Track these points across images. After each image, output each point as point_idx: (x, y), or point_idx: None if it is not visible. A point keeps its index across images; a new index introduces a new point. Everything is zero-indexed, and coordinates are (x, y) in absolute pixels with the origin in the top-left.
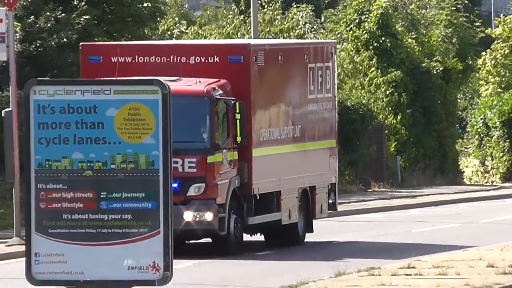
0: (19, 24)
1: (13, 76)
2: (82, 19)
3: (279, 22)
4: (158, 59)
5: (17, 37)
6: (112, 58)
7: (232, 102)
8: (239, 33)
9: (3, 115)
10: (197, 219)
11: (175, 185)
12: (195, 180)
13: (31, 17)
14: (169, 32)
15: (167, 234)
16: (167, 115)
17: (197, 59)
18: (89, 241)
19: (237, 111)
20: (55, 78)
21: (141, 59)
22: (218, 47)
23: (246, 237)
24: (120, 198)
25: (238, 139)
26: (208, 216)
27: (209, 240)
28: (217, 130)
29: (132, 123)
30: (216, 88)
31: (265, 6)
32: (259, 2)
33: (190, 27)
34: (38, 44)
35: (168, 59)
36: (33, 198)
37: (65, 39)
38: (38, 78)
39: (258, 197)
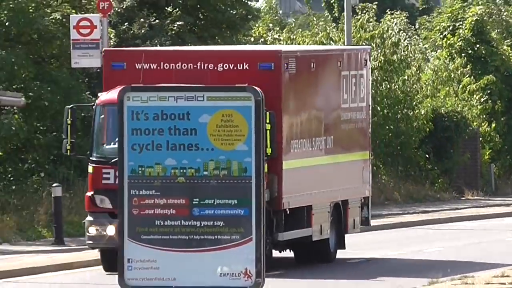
0: (113, 30)
1: None
2: (175, 25)
3: (371, 28)
4: (184, 66)
5: (111, 43)
6: (136, 64)
7: None
8: (331, 40)
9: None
10: None
11: None
12: None
13: (125, 24)
14: (262, 39)
15: (259, 241)
16: (259, 122)
17: (226, 66)
18: (182, 247)
19: (267, 121)
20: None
21: (166, 66)
22: (247, 54)
23: (275, 253)
24: (212, 204)
25: (268, 150)
26: None
27: None
28: None
29: (225, 130)
30: None
31: (359, 13)
32: (352, 8)
33: (283, 33)
34: None
35: (195, 66)
36: (126, 204)
37: (158, 46)
38: (132, 85)
39: (288, 212)
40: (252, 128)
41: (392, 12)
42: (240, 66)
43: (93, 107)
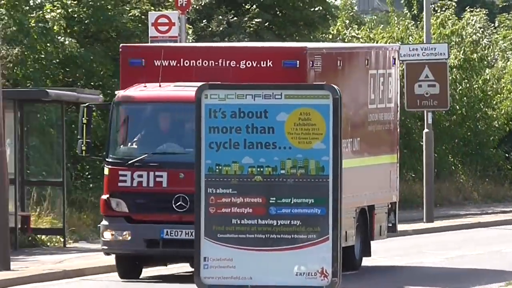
0: (191, 27)
1: None
2: (253, 22)
3: (450, 25)
4: (205, 63)
5: (189, 40)
6: (155, 61)
7: None
8: (410, 37)
9: None
10: None
11: None
12: None
13: (204, 21)
14: (340, 36)
15: (336, 240)
16: (337, 120)
17: (248, 63)
18: (258, 246)
19: None
20: (226, 83)
21: (186, 63)
22: (271, 51)
23: None
24: (289, 203)
25: None
26: None
27: None
28: None
29: (303, 128)
30: None
31: (438, 10)
32: (432, 5)
33: (361, 30)
34: None
35: (216, 63)
36: (203, 202)
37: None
38: (210, 82)
39: None
40: (330, 127)
41: (472, 9)
42: (263, 63)
43: (110, 105)
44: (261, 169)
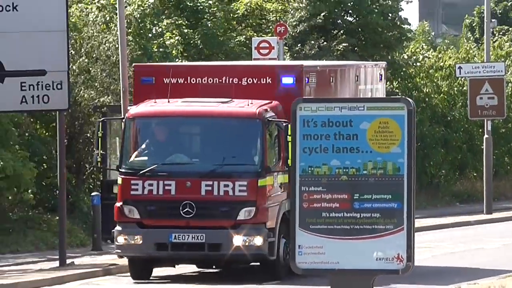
0: (288, 51)
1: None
2: (340, 46)
3: (507, 46)
4: (210, 80)
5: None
6: (164, 79)
7: (284, 124)
8: (475, 58)
9: None
10: (247, 243)
11: (225, 208)
12: (246, 204)
13: (298, 45)
14: (414, 57)
15: (410, 229)
16: (411, 128)
17: (249, 80)
18: (344, 235)
19: (289, 133)
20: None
21: (193, 80)
22: (270, 68)
23: None
24: (370, 199)
25: (290, 162)
26: (258, 240)
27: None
28: (268, 152)
29: (382, 135)
30: (268, 109)
31: (496, 34)
32: (491, 29)
33: (430, 52)
34: None
35: (220, 80)
36: (298, 199)
37: None
38: (304, 97)
39: None
40: (405, 134)
41: None
42: (263, 80)
43: (123, 120)
44: (347, 170)
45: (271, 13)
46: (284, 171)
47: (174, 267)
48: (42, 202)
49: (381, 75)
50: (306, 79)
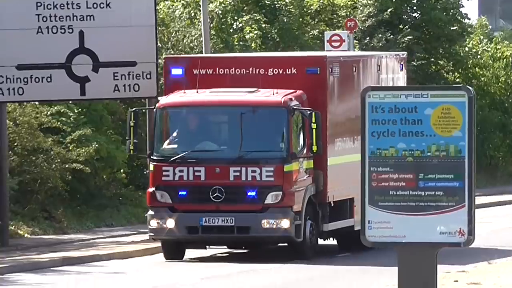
0: (357, 43)
1: None
2: (406, 39)
3: None
4: (237, 71)
5: None
6: (193, 70)
7: (308, 112)
8: None
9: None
10: (275, 226)
11: (253, 193)
12: (273, 188)
13: (367, 38)
14: (474, 50)
15: (471, 206)
16: (471, 114)
17: (275, 71)
18: (410, 212)
19: (313, 121)
20: (389, 85)
21: (221, 71)
22: (295, 59)
23: (319, 240)
24: (434, 178)
25: (314, 148)
26: (285, 223)
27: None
28: (293, 139)
29: (444, 120)
30: (293, 98)
31: None
32: None
33: (491, 45)
34: None
35: (247, 71)
36: (367, 178)
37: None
38: (372, 85)
39: (332, 204)
40: (466, 119)
41: None
42: (289, 71)
43: (154, 110)
44: (412, 152)
45: (342, 9)
46: (309, 157)
47: (205, 248)
48: (134, 181)
49: (402, 65)
50: (330, 69)
